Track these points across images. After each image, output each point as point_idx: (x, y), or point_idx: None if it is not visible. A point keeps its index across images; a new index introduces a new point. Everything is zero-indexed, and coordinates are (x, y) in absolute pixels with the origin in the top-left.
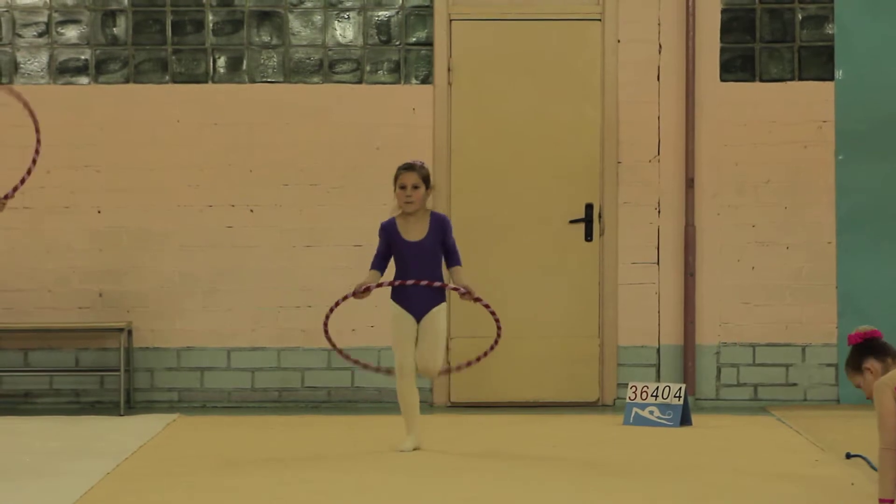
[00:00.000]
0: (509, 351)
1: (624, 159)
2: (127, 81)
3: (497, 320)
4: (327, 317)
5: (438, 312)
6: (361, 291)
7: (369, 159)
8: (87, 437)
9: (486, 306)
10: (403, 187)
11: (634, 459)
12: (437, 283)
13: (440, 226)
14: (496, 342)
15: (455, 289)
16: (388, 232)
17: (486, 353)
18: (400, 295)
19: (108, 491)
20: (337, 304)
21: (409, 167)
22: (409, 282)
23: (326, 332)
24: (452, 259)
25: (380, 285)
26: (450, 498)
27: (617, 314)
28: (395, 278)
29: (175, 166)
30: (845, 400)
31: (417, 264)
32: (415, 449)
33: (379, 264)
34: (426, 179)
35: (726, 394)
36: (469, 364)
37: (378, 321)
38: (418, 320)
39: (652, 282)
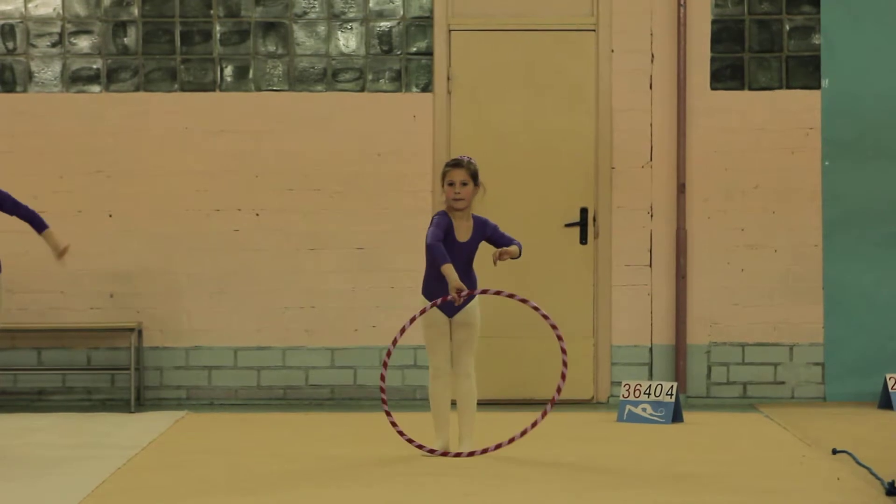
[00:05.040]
0: (506, 350)
1: (617, 165)
2: (137, 90)
3: (545, 315)
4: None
5: (472, 308)
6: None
7: (371, 165)
8: (98, 433)
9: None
10: (452, 184)
11: (628, 455)
12: (493, 292)
13: (482, 229)
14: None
15: (497, 292)
16: (449, 225)
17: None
18: (433, 292)
19: (119, 485)
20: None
21: (456, 163)
22: (464, 293)
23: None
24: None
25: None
26: (446, 494)
27: (611, 315)
28: (425, 276)
29: (183, 172)
30: (831, 398)
31: (457, 262)
32: (443, 452)
33: (439, 243)
34: (474, 176)
35: (716, 392)
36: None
37: (379, 321)
38: (451, 316)
39: (644, 283)
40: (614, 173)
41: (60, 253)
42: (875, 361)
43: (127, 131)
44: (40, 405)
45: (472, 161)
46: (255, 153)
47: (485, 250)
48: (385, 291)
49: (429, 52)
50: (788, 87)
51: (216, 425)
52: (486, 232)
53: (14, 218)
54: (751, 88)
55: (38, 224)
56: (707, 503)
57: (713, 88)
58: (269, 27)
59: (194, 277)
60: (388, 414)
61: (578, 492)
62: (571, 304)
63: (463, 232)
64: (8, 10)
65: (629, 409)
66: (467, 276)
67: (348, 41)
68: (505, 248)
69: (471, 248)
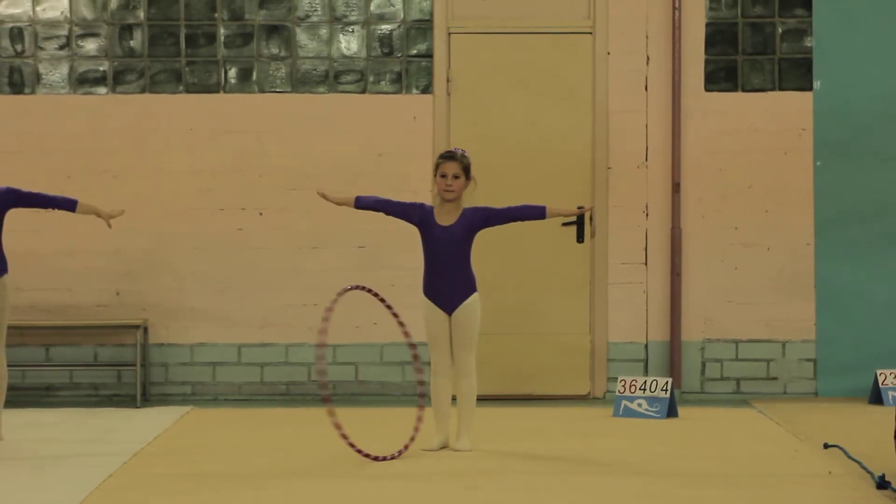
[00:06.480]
0: (505, 346)
1: (613, 165)
2: (143, 91)
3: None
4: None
5: (471, 305)
6: None
7: (372, 165)
8: (105, 428)
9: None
10: (444, 176)
11: (623, 450)
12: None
13: (472, 216)
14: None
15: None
16: (425, 213)
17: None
18: (431, 290)
19: (125, 479)
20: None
21: (450, 156)
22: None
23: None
24: (525, 208)
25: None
26: (448, 487)
27: (607, 312)
28: (425, 271)
29: (188, 172)
30: (823, 393)
31: (445, 252)
32: (442, 447)
33: (377, 199)
34: (466, 170)
35: (710, 387)
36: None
37: (381, 318)
38: (450, 314)
39: (640, 281)
40: (610, 173)
41: (108, 219)
42: (866, 357)
43: (133, 132)
44: (48, 401)
45: (465, 154)
46: (259, 153)
47: (483, 248)
48: (386, 289)
49: (429, 55)
50: (781, 89)
51: (220, 420)
52: (477, 220)
53: (21, 217)
54: (744, 90)
55: (69, 206)
56: (701, 496)
57: (707, 90)
58: (273, 30)
59: (199, 275)
60: (327, 401)
61: (576, 485)
62: (568, 301)
63: (446, 217)
64: (17, 13)
65: (625, 405)
66: (459, 271)
67: (350, 44)
68: (559, 210)
69: (455, 234)
